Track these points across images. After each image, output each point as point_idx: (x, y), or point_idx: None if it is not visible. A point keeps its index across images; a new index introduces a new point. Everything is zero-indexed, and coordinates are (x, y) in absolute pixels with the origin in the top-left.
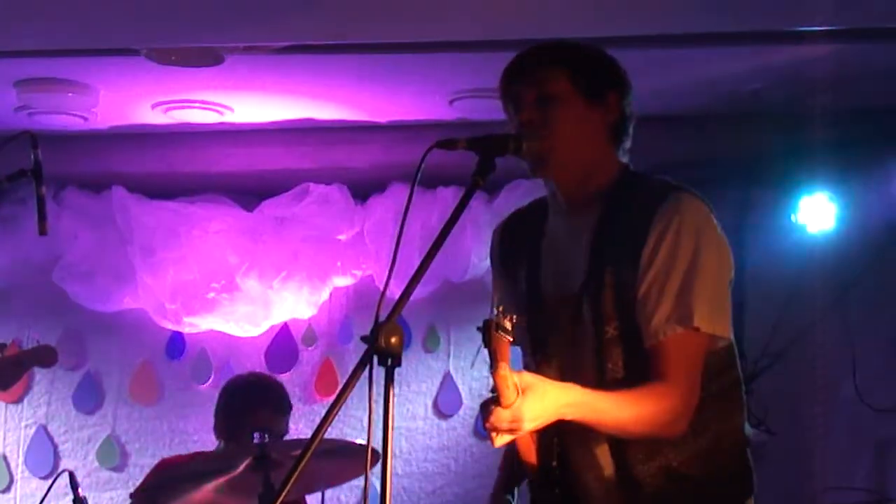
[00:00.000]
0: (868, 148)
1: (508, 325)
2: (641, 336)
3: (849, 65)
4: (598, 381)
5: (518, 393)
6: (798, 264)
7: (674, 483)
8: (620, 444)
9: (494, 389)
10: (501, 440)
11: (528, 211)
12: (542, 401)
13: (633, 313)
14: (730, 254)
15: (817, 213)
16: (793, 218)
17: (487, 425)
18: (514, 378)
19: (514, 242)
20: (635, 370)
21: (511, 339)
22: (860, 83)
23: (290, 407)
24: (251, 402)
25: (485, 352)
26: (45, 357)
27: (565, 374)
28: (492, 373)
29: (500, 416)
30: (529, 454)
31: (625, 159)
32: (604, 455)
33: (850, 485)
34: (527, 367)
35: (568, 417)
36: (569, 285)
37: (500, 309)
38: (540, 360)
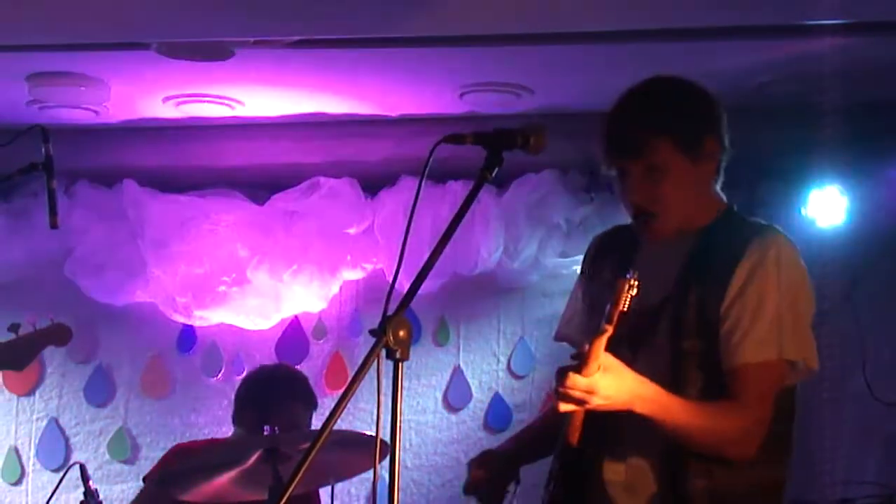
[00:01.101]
0: (877, 142)
1: (635, 291)
2: (719, 358)
3: (857, 58)
4: (670, 391)
5: (599, 368)
6: (807, 258)
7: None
8: (673, 458)
9: (579, 356)
10: (567, 407)
11: (628, 228)
12: (620, 382)
13: (713, 334)
14: (811, 292)
15: (827, 207)
16: (802, 212)
17: (561, 388)
18: (604, 355)
19: (606, 253)
20: (710, 390)
21: (626, 309)
22: (869, 77)
23: (316, 402)
24: (280, 395)
25: (493, 346)
26: (59, 335)
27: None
28: (592, 336)
29: (577, 382)
30: (574, 432)
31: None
32: (649, 469)
33: (859, 479)
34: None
35: (638, 409)
36: (651, 299)
37: (636, 274)
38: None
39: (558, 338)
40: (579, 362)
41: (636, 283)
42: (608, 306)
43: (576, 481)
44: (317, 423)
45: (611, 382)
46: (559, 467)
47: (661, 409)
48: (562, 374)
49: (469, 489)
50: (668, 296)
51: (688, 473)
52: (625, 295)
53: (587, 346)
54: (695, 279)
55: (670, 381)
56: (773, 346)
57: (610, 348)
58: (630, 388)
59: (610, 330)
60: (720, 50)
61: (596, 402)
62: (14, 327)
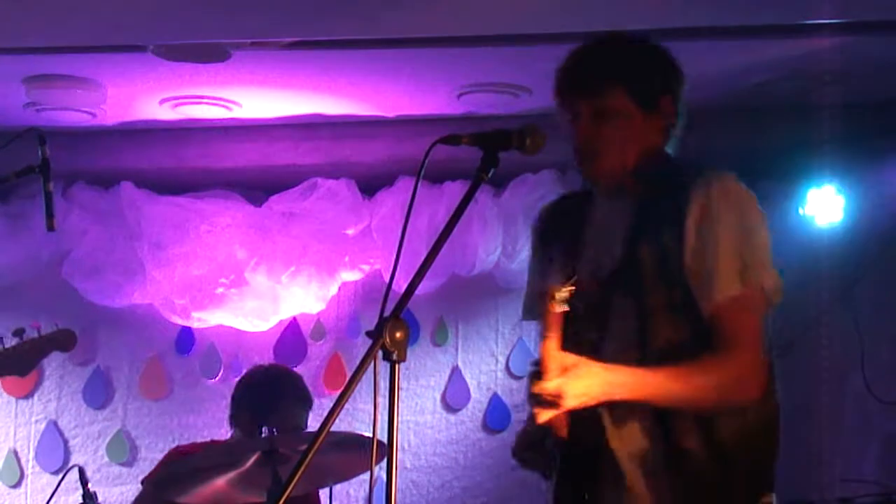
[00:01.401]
0: (875, 141)
1: (566, 295)
2: (693, 304)
3: (855, 58)
4: (639, 348)
5: (563, 370)
6: (806, 257)
7: (715, 460)
8: (664, 416)
9: (538, 362)
10: (544, 416)
11: (574, 196)
12: (588, 378)
13: (679, 282)
14: (766, 223)
15: (825, 205)
16: (800, 211)
17: (531, 399)
18: (559, 356)
19: (555, 223)
20: (686, 338)
21: (566, 310)
22: (866, 76)
23: (311, 401)
24: (276, 395)
25: (492, 346)
26: (64, 341)
27: (599, 354)
28: (540, 344)
29: (545, 389)
30: (560, 427)
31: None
32: (645, 431)
33: (858, 477)
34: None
35: (617, 397)
36: (605, 262)
37: (559, 283)
38: (569, 341)
39: (525, 317)
40: (539, 370)
41: (567, 287)
42: (544, 313)
43: (582, 467)
44: (315, 424)
45: (579, 381)
46: (561, 461)
47: (642, 389)
48: (530, 382)
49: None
50: (619, 260)
51: (680, 429)
52: (554, 304)
53: (542, 355)
54: (645, 237)
55: (640, 342)
56: (740, 279)
57: (576, 327)
58: (601, 380)
59: (553, 335)
60: (718, 50)
61: (569, 403)
62: (19, 332)
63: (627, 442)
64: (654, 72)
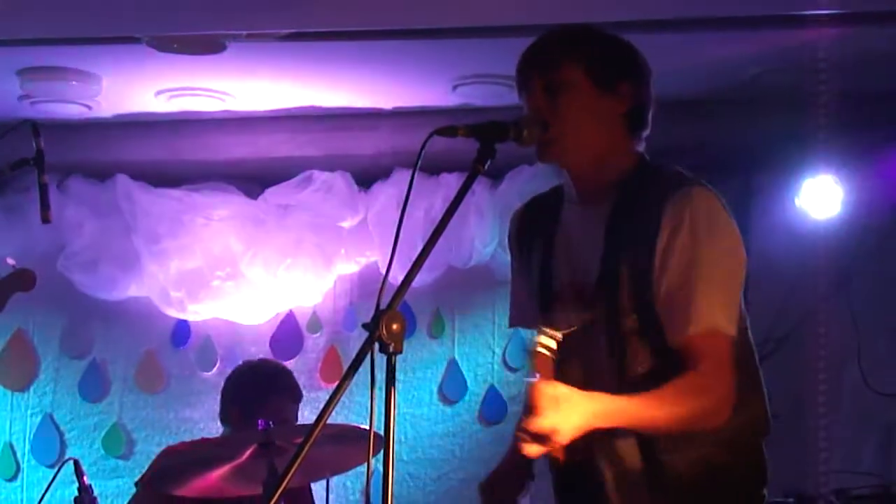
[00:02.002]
0: (871, 132)
1: (553, 344)
2: (662, 330)
3: (851, 48)
4: (617, 374)
5: (553, 402)
6: (802, 249)
7: (699, 472)
8: (647, 438)
9: (529, 401)
10: (534, 451)
11: (545, 197)
12: (577, 410)
13: (651, 306)
14: (742, 246)
15: (821, 197)
16: (796, 202)
17: (524, 438)
18: (549, 387)
19: (530, 228)
20: (658, 363)
21: (554, 357)
22: (864, 67)
23: (300, 395)
24: (264, 389)
25: (488, 338)
26: (23, 281)
27: (577, 364)
28: (528, 388)
29: (539, 425)
30: (558, 449)
31: (641, 147)
32: (630, 447)
33: (855, 469)
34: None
35: (598, 426)
36: (582, 276)
37: (546, 329)
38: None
39: (513, 324)
40: (531, 409)
41: (548, 341)
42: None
43: (569, 481)
44: (311, 417)
45: (568, 415)
46: (558, 481)
47: (619, 416)
48: (521, 423)
49: None
50: (600, 275)
51: (666, 446)
52: (540, 358)
53: (531, 392)
54: (622, 252)
55: (616, 362)
56: (704, 320)
57: (562, 326)
58: (586, 411)
59: (542, 378)
60: (713, 41)
61: (564, 438)
62: None
63: (612, 456)
64: (614, 56)
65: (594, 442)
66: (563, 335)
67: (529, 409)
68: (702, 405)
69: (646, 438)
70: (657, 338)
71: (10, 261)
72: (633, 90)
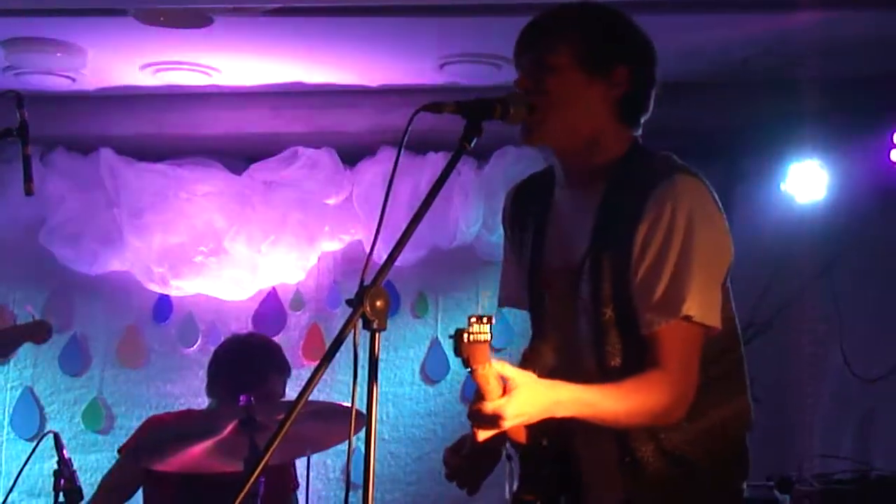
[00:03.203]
0: (858, 116)
1: (486, 328)
2: (636, 323)
3: (839, 32)
4: (598, 361)
5: (503, 389)
6: (786, 233)
7: (673, 465)
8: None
9: (477, 387)
10: (483, 435)
11: (540, 176)
12: (529, 398)
13: (630, 299)
14: (728, 237)
15: (806, 181)
16: (781, 187)
17: (469, 413)
18: (507, 372)
19: (523, 208)
20: (632, 356)
21: (489, 339)
22: (850, 50)
23: (289, 369)
24: (255, 363)
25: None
26: (39, 332)
27: (563, 347)
28: (470, 376)
29: (483, 410)
30: (517, 433)
31: (638, 131)
32: (607, 438)
33: (835, 453)
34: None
35: (559, 415)
36: (570, 259)
37: (473, 318)
38: (538, 330)
39: (501, 304)
40: (478, 394)
41: (481, 328)
42: (461, 356)
43: (546, 470)
44: (293, 394)
45: (519, 400)
46: (522, 464)
47: (581, 406)
48: (471, 404)
49: (449, 477)
50: (584, 262)
51: (639, 437)
52: (464, 345)
53: (476, 377)
54: (605, 241)
55: (594, 347)
56: (673, 311)
57: (550, 306)
58: (542, 399)
59: (480, 367)
60: (701, 24)
61: (507, 424)
62: None
63: (593, 446)
64: (611, 38)
65: (570, 430)
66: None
67: (477, 394)
68: (660, 403)
69: (620, 434)
70: (633, 331)
71: (30, 308)
72: (630, 75)
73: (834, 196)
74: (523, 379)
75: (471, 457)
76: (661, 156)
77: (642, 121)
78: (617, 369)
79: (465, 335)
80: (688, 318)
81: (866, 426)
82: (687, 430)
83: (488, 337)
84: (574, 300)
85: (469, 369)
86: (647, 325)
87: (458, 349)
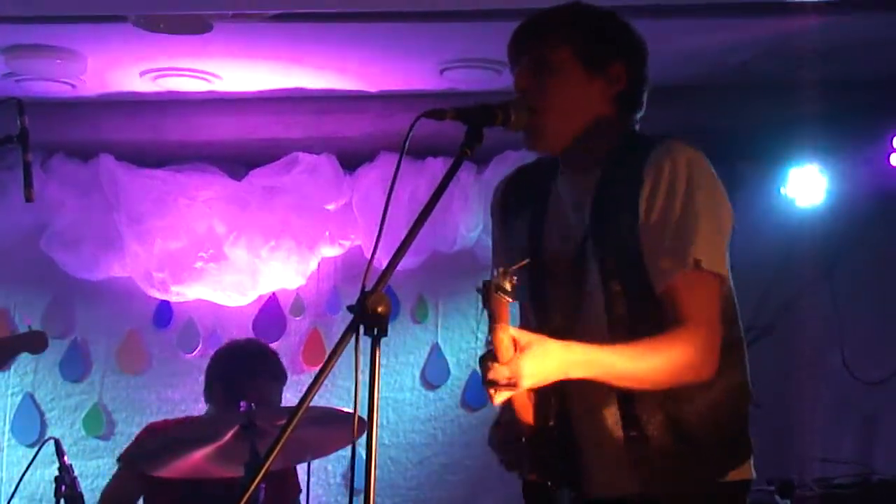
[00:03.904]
0: (857, 120)
1: (508, 286)
2: (647, 292)
3: (838, 36)
4: (608, 340)
5: (516, 349)
6: (786, 238)
7: (680, 440)
8: (630, 402)
9: (491, 346)
10: (500, 397)
11: (536, 166)
12: (543, 358)
13: (638, 269)
14: (725, 195)
15: (806, 185)
16: (781, 191)
17: (485, 380)
18: (514, 334)
19: (517, 196)
20: (642, 327)
21: (511, 300)
22: (850, 54)
23: (285, 376)
24: (250, 370)
25: (472, 323)
26: (35, 343)
27: (568, 330)
28: (489, 332)
29: (498, 371)
30: (526, 413)
31: (636, 127)
32: (611, 415)
33: (836, 457)
34: (526, 324)
35: (574, 376)
36: (571, 243)
37: (501, 270)
38: (540, 316)
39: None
40: (492, 352)
41: (508, 280)
42: (488, 308)
43: (548, 454)
44: (294, 400)
45: (533, 360)
46: (531, 451)
47: (599, 366)
48: (483, 364)
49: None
50: (587, 239)
51: (646, 411)
52: (494, 296)
53: (491, 340)
54: (609, 216)
55: (605, 329)
56: (683, 259)
57: (552, 293)
58: (558, 359)
59: (502, 323)
60: (701, 28)
61: (525, 383)
62: None
63: (593, 428)
64: (607, 36)
65: (572, 410)
66: (544, 269)
67: (492, 355)
68: (686, 358)
69: (627, 405)
70: (645, 302)
71: (29, 321)
72: (626, 71)
73: (834, 200)
74: (536, 339)
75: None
76: (658, 135)
77: (638, 117)
78: (634, 329)
79: (495, 287)
80: (698, 265)
81: (867, 430)
82: (698, 401)
83: (512, 297)
84: (579, 283)
85: (490, 327)
86: (661, 278)
87: (487, 300)
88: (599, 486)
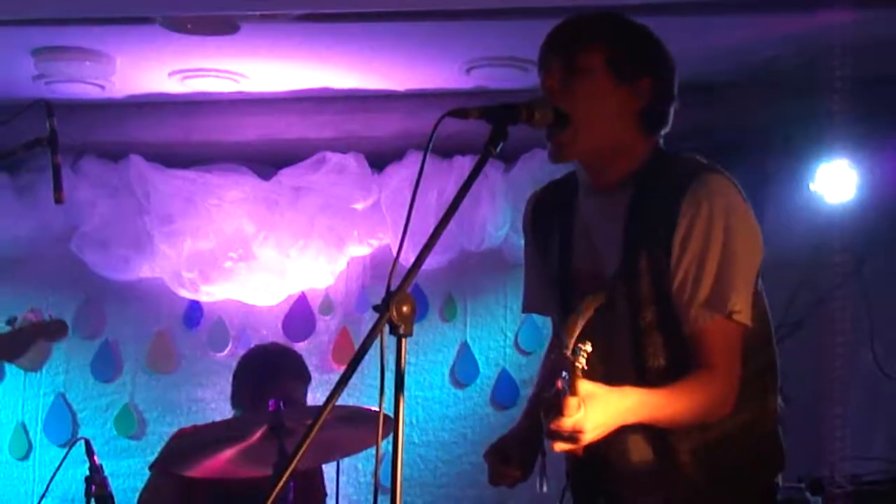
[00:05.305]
0: (886, 117)
1: (584, 360)
2: (679, 322)
3: (869, 33)
4: (638, 366)
5: (580, 404)
6: (816, 233)
7: (709, 464)
8: (660, 430)
9: (558, 398)
10: (561, 447)
11: (562, 183)
12: (604, 410)
13: (670, 300)
14: (759, 235)
15: (835, 181)
16: (810, 187)
17: (547, 431)
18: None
19: (547, 214)
20: (676, 356)
21: (585, 368)
22: (880, 51)
23: (309, 377)
24: (274, 371)
25: (500, 322)
26: (55, 331)
27: (599, 355)
28: (562, 392)
29: (563, 426)
30: (579, 449)
31: (659, 142)
32: (638, 441)
33: (868, 455)
34: (556, 336)
35: (629, 422)
36: (601, 267)
37: (578, 347)
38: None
39: (527, 310)
40: (559, 405)
41: (587, 351)
42: (566, 378)
43: (587, 480)
44: (323, 399)
45: (595, 414)
46: (571, 473)
47: (647, 411)
48: (547, 416)
49: (494, 481)
50: (619, 268)
51: (676, 438)
52: (578, 367)
53: (560, 391)
54: (641, 244)
55: (633, 353)
56: (718, 308)
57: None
58: (615, 408)
59: (577, 396)
60: (729, 24)
61: (587, 438)
62: (11, 321)
63: (623, 448)
64: (639, 50)
65: (610, 441)
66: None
67: (555, 408)
68: (712, 399)
69: (657, 431)
70: (675, 331)
71: (51, 313)
72: (653, 87)
73: (863, 196)
74: (597, 391)
75: (516, 456)
76: (686, 157)
77: (662, 133)
78: (659, 370)
79: (578, 366)
80: (730, 316)
81: None
82: (723, 427)
83: (585, 366)
84: (608, 309)
85: (566, 388)
86: (693, 322)
87: (571, 376)
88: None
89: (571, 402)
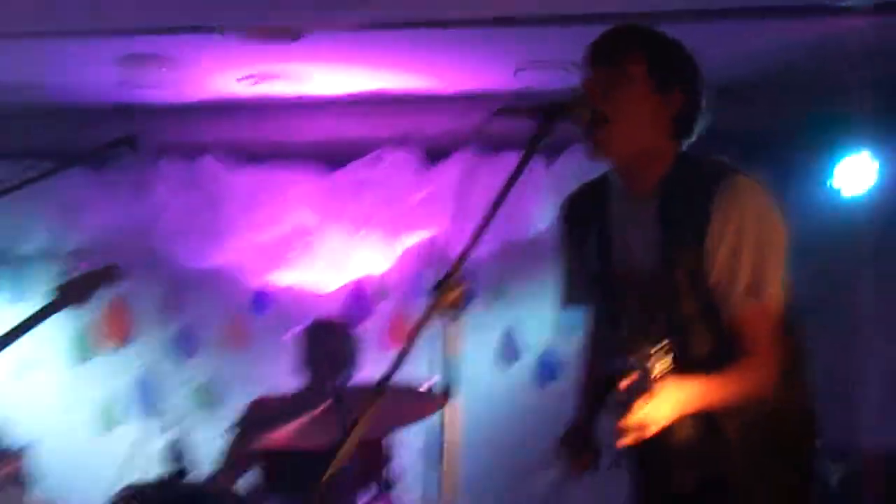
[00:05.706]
0: None
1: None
2: (719, 313)
3: (889, 36)
4: (683, 357)
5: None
6: (834, 227)
7: (756, 437)
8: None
9: (628, 398)
10: (628, 440)
11: (596, 185)
12: (667, 404)
13: (708, 293)
14: (785, 228)
15: (853, 178)
16: (829, 184)
17: (618, 429)
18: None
19: (582, 215)
20: (718, 345)
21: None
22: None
23: (358, 348)
24: (329, 344)
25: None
26: (107, 276)
27: (636, 343)
28: (632, 392)
29: (630, 423)
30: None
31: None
32: (686, 420)
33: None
34: (590, 329)
35: (689, 412)
36: (638, 265)
37: (663, 358)
38: (609, 326)
39: (565, 305)
40: (626, 404)
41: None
42: (638, 379)
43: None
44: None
45: (660, 407)
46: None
47: (703, 400)
48: (615, 412)
49: (575, 468)
50: (657, 265)
51: (718, 415)
52: (658, 369)
53: (628, 391)
54: (676, 244)
55: (679, 343)
56: (757, 295)
57: (622, 313)
58: (677, 401)
59: (648, 398)
60: (752, 30)
61: (654, 430)
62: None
63: (676, 432)
64: (675, 63)
65: None
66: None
67: (625, 408)
68: (758, 383)
69: (707, 415)
70: (715, 322)
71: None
72: (685, 98)
73: (881, 189)
74: (660, 385)
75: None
76: (711, 160)
77: (687, 144)
78: (704, 357)
79: (654, 373)
80: (769, 302)
81: None
82: (765, 402)
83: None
84: (647, 303)
85: (633, 392)
86: (734, 309)
87: (644, 378)
88: (682, 488)
89: (640, 402)
